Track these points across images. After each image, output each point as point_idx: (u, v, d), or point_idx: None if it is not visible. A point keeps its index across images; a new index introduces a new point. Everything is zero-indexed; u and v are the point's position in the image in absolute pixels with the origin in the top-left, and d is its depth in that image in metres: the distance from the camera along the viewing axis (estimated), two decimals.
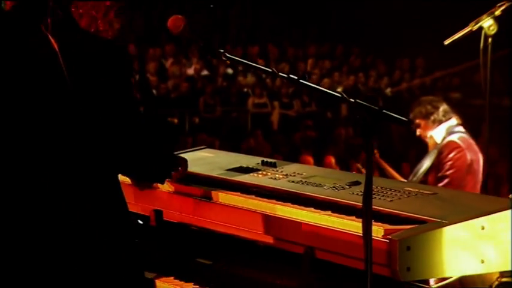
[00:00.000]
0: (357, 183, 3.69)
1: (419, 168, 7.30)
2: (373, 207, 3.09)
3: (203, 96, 17.19)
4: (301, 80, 3.56)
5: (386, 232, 3.16)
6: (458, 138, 6.97)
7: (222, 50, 3.94)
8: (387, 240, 3.13)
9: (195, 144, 14.49)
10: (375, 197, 3.21)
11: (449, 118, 7.08)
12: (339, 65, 19.76)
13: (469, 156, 6.92)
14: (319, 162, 12.00)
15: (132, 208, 3.92)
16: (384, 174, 7.86)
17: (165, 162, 3.86)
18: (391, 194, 3.58)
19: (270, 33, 20.75)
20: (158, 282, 3.79)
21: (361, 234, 3.07)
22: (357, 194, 3.49)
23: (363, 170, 7.37)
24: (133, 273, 3.50)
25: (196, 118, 16.37)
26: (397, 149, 14.11)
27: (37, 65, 3.29)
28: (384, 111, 3.26)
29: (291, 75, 3.58)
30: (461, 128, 7.12)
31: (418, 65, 19.58)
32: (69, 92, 3.26)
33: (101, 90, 3.33)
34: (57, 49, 3.27)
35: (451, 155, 6.92)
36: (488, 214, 3.28)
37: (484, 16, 4.91)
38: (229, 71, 18.24)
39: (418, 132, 7.24)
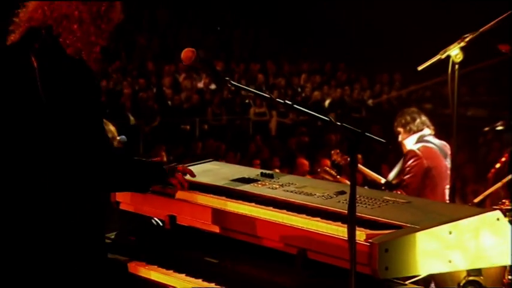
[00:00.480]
0: (342, 192, 3.65)
1: (392, 172, 7.41)
2: (357, 214, 3.09)
3: (211, 106, 17.18)
4: (294, 105, 3.62)
5: (368, 236, 3.16)
6: (418, 148, 6.92)
7: (227, 78, 3.92)
8: (368, 244, 3.12)
9: (204, 148, 14.54)
10: (358, 205, 3.19)
11: (422, 129, 7.04)
12: (327, 80, 19.75)
13: (426, 164, 6.85)
14: (313, 164, 12.04)
15: (150, 213, 4.03)
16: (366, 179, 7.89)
17: (137, 175, 3.74)
18: (372, 202, 3.56)
19: (268, 51, 20.66)
20: (166, 277, 3.70)
21: (346, 238, 3.09)
22: (343, 203, 3.46)
23: (332, 172, 7.38)
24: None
25: (205, 125, 16.35)
26: (377, 152, 14.04)
27: (18, 80, 3.38)
28: (366, 133, 3.30)
29: (286, 101, 3.62)
30: (431, 138, 7.06)
31: (395, 80, 19.68)
32: (42, 103, 3.31)
33: (70, 102, 3.32)
34: (36, 68, 3.33)
35: (409, 162, 6.92)
36: (454, 221, 3.27)
37: (452, 46, 4.90)
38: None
39: (399, 138, 7.22)
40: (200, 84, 18.20)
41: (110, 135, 6.03)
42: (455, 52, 4.86)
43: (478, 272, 3.48)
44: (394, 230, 3.24)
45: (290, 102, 3.62)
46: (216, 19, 21.74)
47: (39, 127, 3.33)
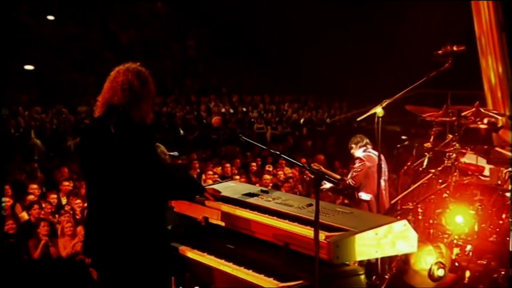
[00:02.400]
0: (310, 205, 3.56)
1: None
2: (320, 221, 3.08)
3: (229, 123, 17.11)
4: (282, 155, 3.61)
5: (326, 237, 3.14)
6: (363, 156, 6.72)
7: (240, 135, 3.89)
8: (326, 242, 3.11)
9: (227, 150, 14.45)
10: (321, 215, 3.13)
11: (366, 144, 6.85)
12: (302, 106, 19.54)
13: (367, 165, 6.61)
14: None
15: (193, 214, 3.94)
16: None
17: (184, 192, 3.73)
18: (329, 212, 3.49)
19: (265, 88, 20.51)
20: (202, 257, 3.61)
21: (313, 237, 3.07)
22: (311, 212, 3.32)
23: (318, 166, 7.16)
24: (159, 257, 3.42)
25: (225, 135, 16.29)
26: (332, 153, 13.91)
27: (103, 139, 3.34)
28: (326, 176, 3.29)
29: (277, 152, 3.66)
30: (371, 149, 6.79)
31: (343, 106, 19.42)
32: (117, 150, 3.29)
33: (134, 150, 3.31)
34: (113, 133, 3.30)
35: (357, 164, 6.77)
36: (379, 226, 3.25)
37: (377, 107, 4.76)
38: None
39: (352, 150, 7.00)
40: (223, 110, 18.13)
41: (161, 152, 5.87)
42: (379, 110, 4.76)
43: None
44: (342, 232, 3.22)
45: (278, 152, 3.61)
46: (230, 64, 21.27)
47: (117, 167, 3.32)
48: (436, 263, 4.06)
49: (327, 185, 6.89)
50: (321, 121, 17.99)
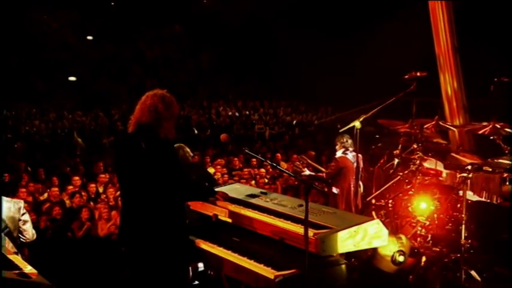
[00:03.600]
0: (301, 205, 3.50)
1: None
2: (309, 219, 3.05)
3: (235, 124, 17.05)
4: (278, 167, 3.58)
5: (314, 234, 3.13)
6: (339, 156, 6.25)
7: (245, 148, 3.85)
8: (314, 238, 3.11)
9: (232, 147, 14.31)
10: (310, 214, 3.10)
11: (347, 146, 6.27)
12: (294, 110, 19.35)
13: (340, 165, 6.13)
14: (286, 155, 11.47)
15: (206, 212, 3.87)
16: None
17: (199, 194, 3.72)
18: (316, 212, 3.45)
19: (264, 95, 20.42)
20: (212, 248, 3.56)
21: (303, 234, 3.05)
22: (302, 211, 3.31)
23: (300, 165, 6.62)
24: (181, 250, 3.38)
25: (232, 134, 16.19)
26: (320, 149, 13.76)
27: (135, 152, 3.32)
28: (313, 184, 3.25)
29: (273, 163, 3.68)
30: (349, 152, 6.26)
31: (329, 110, 19.13)
32: (146, 161, 3.28)
33: (160, 159, 3.29)
34: (144, 147, 3.29)
35: (331, 163, 6.37)
36: (357, 225, 3.24)
37: (355, 120, 4.70)
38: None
39: (336, 147, 6.47)
40: (230, 113, 18.01)
41: (184, 153, 5.72)
42: (357, 124, 4.72)
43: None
44: (327, 230, 3.21)
45: (275, 164, 3.58)
46: (236, 75, 21.14)
47: (146, 175, 3.31)
48: (397, 251, 4.03)
49: (307, 172, 6.52)
50: (310, 122, 17.80)
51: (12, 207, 4.00)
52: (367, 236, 3.26)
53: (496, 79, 5.42)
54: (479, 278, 3.86)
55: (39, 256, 5.12)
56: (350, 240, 3.20)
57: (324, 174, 6.43)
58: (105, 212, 6.88)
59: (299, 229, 3.21)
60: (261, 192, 3.93)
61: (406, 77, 4.62)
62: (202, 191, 3.74)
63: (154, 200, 3.31)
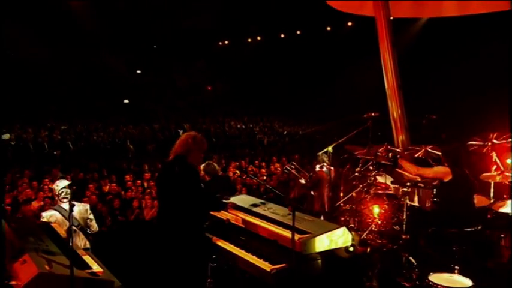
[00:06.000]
0: (290, 214, 3.28)
1: None
2: (295, 226, 2.99)
3: (242, 134, 16.61)
4: (267, 185, 3.51)
5: (299, 238, 3.09)
6: (317, 171, 5.78)
7: (247, 174, 3.77)
8: (299, 240, 3.06)
9: (241, 152, 13.63)
10: (295, 222, 3.02)
11: (322, 163, 5.65)
12: (285, 123, 18.89)
13: (318, 177, 5.63)
14: (279, 159, 11.01)
15: (220, 216, 3.73)
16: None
17: (214, 206, 3.62)
18: (300, 220, 3.34)
19: (263, 112, 20.02)
20: (225, 245, 3.46)
21: (290, 237, 2.99)
22: (290, 219, 3.15)
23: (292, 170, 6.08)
24: (200, 254, 3.28)
25: (240, 141, 15.94)
26: (303, 153, 13.40)
27: (171, 173, 3.29)
28: (295, 200, 3.17)
29: (266, 185, 3.55)
30: (324, 166, 5.74)
31: (310, 124, 18.29)
32: (178, 182, 3.24)
33: (188, 182, 3.23)
34: (177, 170, 3.25)
35: (313, 175, 5.80)
36: (330, 230, 3.20)
37: (329, 146, 4.63)
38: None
39: (318, 159, 5.88)
40: (238, 126, 17.70)
41: (214, 167, 4.97)
42: (330, 148, 4.68)
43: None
44: (308, 234, 3.16)
45: (265, 182, 3.49)
46: (242, 98, 20.70)
47: (178, 192, 3.26)
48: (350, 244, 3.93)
49: (302, 180, 6.08)
50: (296, 133, 17.52)
51: (82, 209, 4.00)
52: (337, 238, 3.24)
53: (426, 116, 5.35)
54: (414, 262, 3.81)
55: (101, 237, 4.90)
56: (325, 242, 3.17)
57: (308, 182, 6.07)
58: (150, 202, 6.91)
59: (288, 233, 3.17)
60: (261, 202, 3.85)
61: (364, 116, 4.59)
62: (216, 204, 3.67)
63: (182, 209, 3.28)
